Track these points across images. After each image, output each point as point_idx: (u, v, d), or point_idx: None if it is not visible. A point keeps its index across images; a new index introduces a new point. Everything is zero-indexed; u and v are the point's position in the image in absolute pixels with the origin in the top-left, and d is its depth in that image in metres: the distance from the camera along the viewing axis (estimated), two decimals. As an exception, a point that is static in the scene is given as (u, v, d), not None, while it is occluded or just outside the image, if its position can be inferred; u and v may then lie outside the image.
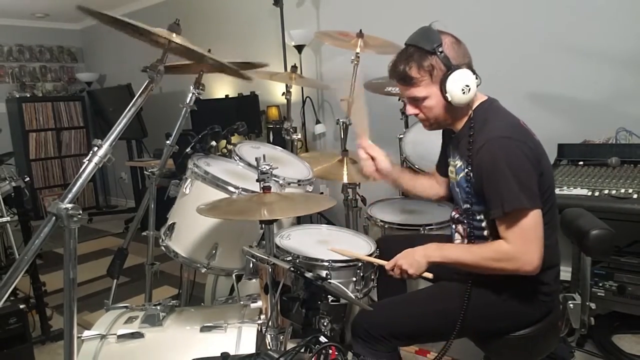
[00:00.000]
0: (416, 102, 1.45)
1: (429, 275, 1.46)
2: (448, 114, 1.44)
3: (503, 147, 1.32)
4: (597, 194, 1.98)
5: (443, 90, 1.37)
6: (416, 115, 1.49)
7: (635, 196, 1.91)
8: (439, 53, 1.35)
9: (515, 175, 1.28)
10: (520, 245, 1.29)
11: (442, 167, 1.73)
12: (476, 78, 1.38)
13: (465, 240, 1.51)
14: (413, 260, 1.43)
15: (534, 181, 1.30)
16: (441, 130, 1.66)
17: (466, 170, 1.42)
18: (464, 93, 1.36)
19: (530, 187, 1.29)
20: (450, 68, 1.36)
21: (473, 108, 1.44)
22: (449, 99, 1.37)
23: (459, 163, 1.48)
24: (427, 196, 1.80)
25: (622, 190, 1.95)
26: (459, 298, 1.41)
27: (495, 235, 1.39)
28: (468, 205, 1.45)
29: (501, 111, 1.45)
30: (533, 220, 1.28)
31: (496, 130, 1.35)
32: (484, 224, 1.44)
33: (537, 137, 1.42)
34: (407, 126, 2.78)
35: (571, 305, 1.42)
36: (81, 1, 1.19)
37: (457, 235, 1.56)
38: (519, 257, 1.29)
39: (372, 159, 1.71)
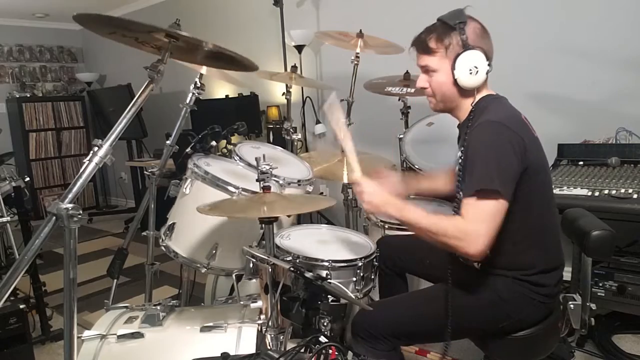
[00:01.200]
0: (427, 73, 1.47)
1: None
2: (454, 94, 1.45)
3: (492, 131, 1.33)
4: (597, 194, 1.98)
5: (453, 67, 1.39)
6: (425, 89, 1.50)
7: (635, 196, 1.91)
8: (460, 30, 1.38)
9: (496, 158, 1.29)
10: (474, 225, 1.27)
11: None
12: (488, 65, 1.38)
13: None
14: (375, 203, 1.45)
15: (512, 171, 1.29)
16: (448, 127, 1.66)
17: (461, 159, 1.42)
18: (471, 74, 1.38)
19: (507, 174, 1.28)
20: (466, 48, 1.37)
21: (477, 99, 1.44)
22: (456, 76, 1.39)
23: (459, 153, 1.48)
24: (447, 191, 1.78)
25: (622, 190, 1.95)
26: (457, 298, 1.41)
27: None
28: (461, 195, 1.45)
29: (504, 103, 1.45)
30: (496, 207, 1.27)
31: (491, 115, 1.36)
32: None
33: (536, 134, 1.42)
34: (407, 126, 2.78)
35: (571, 305, 1.42)
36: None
37: None
38: (467, 236, 1.27)
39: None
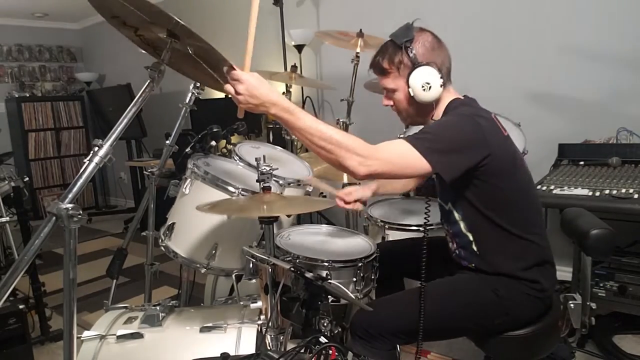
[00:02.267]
0: (388, 93, 1.51)
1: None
2: (415, 109, 1.48)
3: (456, 116, 1.38)
4: (597, 194, 1.98)
5: (407, 85, 1.42)
6: (391, 106, 1.54)
7: (636, 196, 1.91)
8: (407, 49, 1.40)
9: (443, 135, 1.31)
10: (378, 155, 1.26)
11: None
12: (441, 78, 1.40)
13: (454, 243, 1.53)
14: (251, 99, 1.24)
15: (452, 152, 1.29)
16: None
17: None
18: (424, 90, 1.40)
19: (442, 150, 1.28)
20: (415, 65, 1.40)
21: (448, 102, 1.46)
22: (412, 94, 1.42)
23: None
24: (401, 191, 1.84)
25: (623, 190, 1.95)
26: (454, 296, 1.43)
27: (472, 229, 1.43)
28: (439, 200, 1.51)
29: (474, 105, 1.47)
30: (408, 156, 1.27)
31: (463, 110, 1.40)
32: (455, 215, 1.46)
33: (506, 133, 1.44)
34: (407, 126, 2.78)
35: (572, 305, 1.41)
36: (81, 3, 1.18)
37: (448, 239, 1.58)
38: (365, 158, 1.24)
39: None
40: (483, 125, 1.34)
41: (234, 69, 1.25)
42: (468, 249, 1.47)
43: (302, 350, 1.06)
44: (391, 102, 1.53)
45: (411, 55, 1.40)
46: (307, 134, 1.26)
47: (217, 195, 1.76)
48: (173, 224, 1.88)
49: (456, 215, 1.47)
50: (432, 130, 1.33)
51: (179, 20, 1.15)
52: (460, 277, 1.49)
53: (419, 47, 1.41)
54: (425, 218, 1.44)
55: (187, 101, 2.06)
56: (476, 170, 1.33)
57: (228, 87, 1.27)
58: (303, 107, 3.91)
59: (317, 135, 1.25)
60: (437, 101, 1.45)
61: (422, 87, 1.40)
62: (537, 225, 1.47)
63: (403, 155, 1.29)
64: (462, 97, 1.49)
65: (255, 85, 1.23)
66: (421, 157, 1.27)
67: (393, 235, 2.06)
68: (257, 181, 1.51)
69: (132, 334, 1.47)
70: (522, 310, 1.42)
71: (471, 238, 1.45)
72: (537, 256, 1.43)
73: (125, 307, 1.67)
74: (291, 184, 1.98)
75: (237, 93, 1.25)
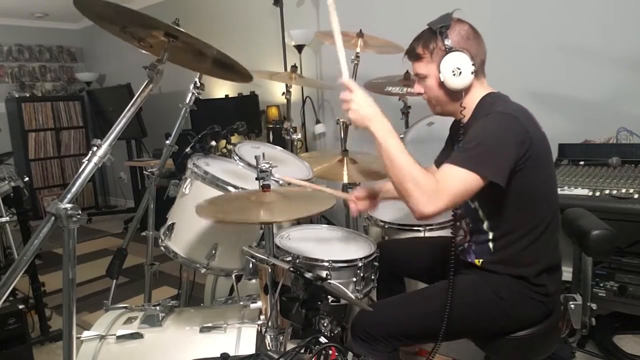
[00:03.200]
0: (420, 80, 1.50)
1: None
2: (445, 96, 1.46)
3: (500, 119, 1.34)
4: (597, 194, 1.98)
5: (438, 70, 1.41)
6: (422, 94, 1.52)
7: (636, 196, 1.90)
8: (442, 34, 1.39)
9: (497, 145, 1.29)
10: (446, 190, 1.26)
11: (440, 160, 1.72)
12: (473, 65, 1.38)
13: (469, 237, 1.51)
14: (361, 110, 1.35)
15: (508, 159, 1.28)
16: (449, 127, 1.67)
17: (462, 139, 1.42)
18: (454, 75, 1.39)
19: (502, 161, 1.28)
20: (448, 50, 1.39)
21: (480, 97, 1.44)
22: (442, 79, 1.41)
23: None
24: None
25: (623, 190, 1.95)
26: (456, 298, 1.41)
27: (494, 228, 1.41)
28: None
29: (509, 100, 1.46)
30: (467, 182, 1.26)
31: (501, 108, 1.37)
32: (480, 214, 1.44)
33: (542, 130, 1.42)
34: (407, 126, 2.78)
35: (572, 305, 1.41)
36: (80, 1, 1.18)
37: (461, 232, 1.56)
38: (434, 195, 1.25)
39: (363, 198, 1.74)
40: (522, 119, 1.33)
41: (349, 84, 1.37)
42: (482, 246, 1.45)
43: (302, 351, 1.06)
44: (422, 90, 1.50)
45: (446, 41, 1.39)
46: (391, 158, 1.31)
47: (217, 195, 1.76)
48: (173, 224, 1.88)
49: (481, 213, 1.44)
50: (474, 141, 1.30)
51: (175, 28, 1.15)
52: (463, 278, 1.47)
53: (454, 35, 1.40)
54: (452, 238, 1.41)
55: (187, 101, 2.06)
56: (518, 163, 1.31)
57: (345, 94, 1.38)
58: (303, 107, 3.92)
59: (399, 163, 1.30)
60: (467, 90, 1.43)
61: (453, 72, 1.38)
62: (556, 226, 1.45)
63: (461, 182, 1.27)
64: (497, 92, 1.47)
65: (363, 98, 1.35)
66: (474, 174, 1.26)
67: (393, 236, 2.06)
68: (256, 179, 1.51)
69: (131, 334, 1.47)
70: (525, 312, 1.41)
71: (490, 237, 1.43)
72: (550, 260, 1.41)
73: (125, 307, 1.66)
74: (291, 184, 1.98)
75: (349, 100, 1.35)
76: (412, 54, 1.48)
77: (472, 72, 1.39)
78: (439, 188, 1.26)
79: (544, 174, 1.38)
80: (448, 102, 1.48)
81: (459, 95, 1.44)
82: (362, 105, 1.35)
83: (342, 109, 1.37)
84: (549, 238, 1.41)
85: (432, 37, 1.42)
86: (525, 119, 1.36)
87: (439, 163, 1.72)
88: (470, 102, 1.45)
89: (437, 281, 1.51)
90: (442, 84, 1.42)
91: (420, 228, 2.02)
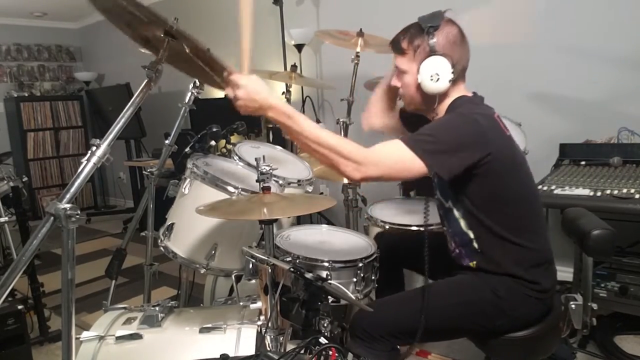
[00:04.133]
0: (400, 73, 1.49)
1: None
2: (420, 97, 1.46)
3: (456, 116, 1.36)
4: (599, 194, 1.97)
5: (417, 71, 1.41)
6: (398, 88, 1.52)
7: (637, 196, 1.90)
8: (429, 34, 1.38)
9: (441, 137, 1.29)
10: (372, 159, 1.27)
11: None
12: (452, 73, 1.38)
13: (453, 243, 1.53)
14: (249, 106, 1.28)
15: (451, 151, 1.28)
16: None
17: None
18: (431, 80, 1.38)
19: (440, 151, 1.28)
20: (431, 53, 1.38)
21: (454, 99, 1.44)
22: (419, 80, 1.40)
23: None
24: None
25: (624, 190, 1.94)
26: (455, 296, 1.42)
27: (471, 227, 1.42)
28: (438, 193, 1.50)
29: (478, 103, 1.46)
30: (407, 162, 1.27)
31: (463, 110, 1.38)
32: (455, 213, 1.45)
33: (508, 133, 1.42)
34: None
35: (573, 306, 1.41)
36: (79, 2, 1.17)
37: (447, 239, 1.57)
38: (364, 162, 1.25)
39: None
40: (482, 124, 1.33)
41: (232, 74, 1.26)
42: (469, 247, 1.46)
43: (302, 351, 1.05)
44: (399, 84, 1.50)
45: (431, 42, 1.38)
46: (304, 138, 1.28)
47: (217, 195, 1.75)
48: (172, 224, 1.87)
49: (456, 213, 1.46)
50: (430, 131, 1.32)
51: (173, 24, 1.14)
52: (461, 277, 1.49)
53: (441, 37, 1.39)
54: (424, 217, 1.42)
55: (186, 101, 2.05)
56: (477, 168, 1.32)
57: (229, 90, 1.29)
58: (303, 107, 3.91)
59: (314, 140, 1.27)
60: (442, 95, 1.43)
61: (431, 77, 1.38)
62: (538, 226, 1.46)
63: (399, 159, 1.28)
64: (470, 95, 1.47)
65: (253, 90, 1.26)
66: (418, 158, 1.26)
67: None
68: (256, 181, 1.51)
69: (131, 334, 1.46)
70: (523, 311, 1.41)
71: (472, 236, 1.44)
72: (537, 257, 1.42)
73: (125, 308, 1.66)
74: (291, 184, 1.98)
75: (235, 98, 1.28)
76: (396, 47, 1.47)
77: (450, 80, 1.39)
78: (372, 156, 1.27)
79: (513, 176, 1.39)
80: (421, 103, 1.48)
81: (433, 98, 1.45)
82: (251, 97, 1.26)
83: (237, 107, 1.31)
84: (534, 235, 1.42)
85: (418, 34, 1.41)
86: (488, 123, 1.36)
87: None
88: (443, 105, 1.46)
89: (436, 275, 1.51)
90: (418, 85, 1.42)
91: (421, 228, 2.01)
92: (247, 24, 1.38)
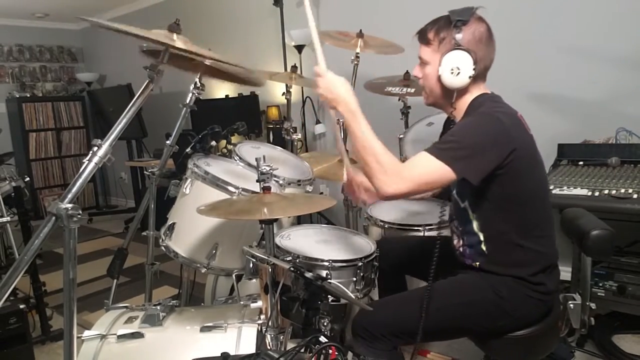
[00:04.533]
0: (422, 64, 1.49)
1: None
2: (440, 90, 1.46)
3: (477, 116, 1.36)
4: (597, 194, 1.98)
5: (440, 63, 1.40)
6: (418, 79, 1.53)
7: (635, 196, 1.91)
8: (456, 28, 1.38)
9: (466, 140, 1.30)
10: (404, 172, 1.30)
11: None
12: (474, 70, 1.38)
13: (461, 240, 1.52)
14: (328, 93, 1.44)
15: (478, 154, 1.29)
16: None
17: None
18: (452, 73, 1.38)
19: (468, 155, 1.28)
20: (456, 47, 1.38)
21: (472, 98, 1.44)
22: (440, 72, 1.41)
23: None
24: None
25: (622, 190, 1.95)
26: (457, 296, 1.42)
27: (484, 229, 1.41)
28: (455, 192, 1.49)
29: (499, 101, 1.45)
30: (437, 172, 1.28)
31: (485, 108, 1.38)
32: (470, 214, 1.45)
33: (531, 132, 1.42)
34: (407, 126, 2.78)
35: (571, 305, 1.42)
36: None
37: (454, 236, 1.57)
38: (395, 176, 1.29)
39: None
40: (505, 122, 1.33)
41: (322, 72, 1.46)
42: (476, 248, 1.46)
43: (302, 350, 1.06)
44: (420, 75, 1.51)
45: (457, 36, 1.37)
46: (357, 138, 1.37)
47: (218, 195, 1.76)
48: (173, 223, 1.88)
49: (471, 214, 1.45)
50: (453, 137, 1.32)
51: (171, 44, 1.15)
52: (463, 277, 1.48)
53: (467, 32, 1.38)
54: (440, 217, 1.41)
55: (187, 101, 2.06)
56: (501, 168, 1.32)
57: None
58: (303, 107, 3.93)
59: (364, 143, 1.35)
60: (462, 91, 1.43)
61: (452, 70, 1.38)
62: (549, 228, 1.45)
63: (428, 171, 1.29)
64: (490, 93, 1.47)
65: (332, 82, 1.44)
66: (446, 166, 1.27)
67: (393, 236, 2.06)
68: (257, 181, 1.51)
69: (132, 333, 1.47)
70: (525, 311, 1.41)
71: (482, 238, 1.43)
72: (543, 261, 1.41)
73: (126, 307, 1.66)
74: (291, 184, 1.99)
75: (318, 85, 1.46)
76: (423, 37, 1.47)
77: (470, 76, 1.38)
78: (403, 172, 1.30)
79: (532, 176, 1.39)
80: (441, 97, 1.48)
81: (451, 93, 1.44)
82: (330, 88, 1.43)
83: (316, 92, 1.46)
84: (543, 239, 1.42)
85: (446, 27, 1.41)
86: (511, 122, 1.36)
87: None
88: (463, 103, 1.45)
89: (437, 280, 1.51)
90: (438, 78, 1.42)
91: (420, 228, 2.02)
92: (312, 24, 1.61)
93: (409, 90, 2.56)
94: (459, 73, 1.38)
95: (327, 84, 1.44)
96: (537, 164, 1.43)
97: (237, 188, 1.77)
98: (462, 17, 1.38)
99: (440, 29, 1.41)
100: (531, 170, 1.38)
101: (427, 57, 1.45)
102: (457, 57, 1.37)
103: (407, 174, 1.30)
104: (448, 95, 1.46)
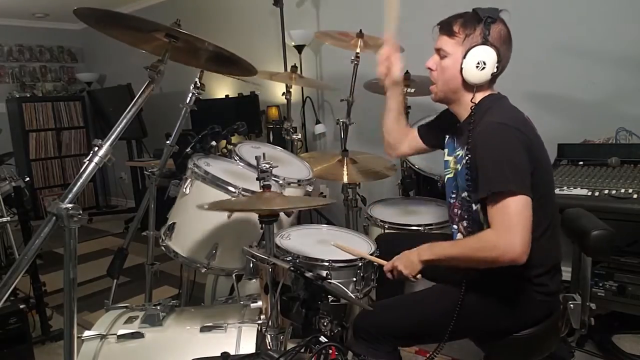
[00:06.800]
0: (439, 56, 1.48)
1: (418, 276, 1.46)
2: (458, 84, 1.45)
3: (498, 132, 1.33)
4: (597, 194, 1.98)
5: (464, 56, 1.40)
6: (431, 71, 1.52)
7: (635, 196, 1.91)
8: (485, 25, 1.38)
9: (507, 158, 1.28)
10: (503, 231, 1.25)
11: (424, 131, 1.78)
12: (496, 68, 1.38)
13: None
14: (408, 261, 1.44)
15: (526, 167, 1.29)
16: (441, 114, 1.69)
17: (466, 158, 1.42)
18: (476, 67, 1.38)
19: (521, 171, 1.28)
20: (484, 42, 1.38)
21: (480, 98, 1.44)
22: (463, 65, 1.40)
23: (460, 152, 1.48)
24: (390, 137, 1.87)
25: (622, 190, 1.95)
26: (458, 298, 1.41)
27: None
28: (466, 194, 1.46)
29: (506, 104, 1.46)
30: (519, 205, 1.25)
31: (495, 117, 1.37)
32: (481, 217, 1.43)
33: (537, 132, 1.42)
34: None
35: (571, 305, 1.41)
36: (82, 2, 1.19)
37: (459, 235, 1.56)
38: (500, 244, 1.25)
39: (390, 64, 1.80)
40: (522, 129, 1.33)
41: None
42: None
43: (302, 350, 1.06)
44: (434, 66, 1.49)
45: (486, 32, 1.38)
46: (454, 261, 1.38)
47: (218, 195, 1.77)
48: (173, 223, 1.88)
49: (482, 216, 1.43)
50: (494, 165, 1.30)
51: (176, 29, 1.15)
52: (466, 278, 1.48)
53: (495, 31, 1.39)
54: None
55: (187, 101, 2.06)
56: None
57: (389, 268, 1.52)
58: (303, 107, 3.92)
59: (458, 258, 1.37)
60: (479, 88, 1.43)
61: (477, 64, 1.38)
62: (557, 228, 1.45)
63: (515, 210, 1.25)
64: (497, 94, 1.47)
65: (403, 260, 1.46)
66: (518, 192, 1.25)
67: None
68: (257, 179, 1.51)
69: (132, 333, 1.47)
70: (528, 312, 1.41)
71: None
72: (551, 261, 1.41)
73: (126, 307, 1.67)
74: (291, 184, 1.99)
75: (398, 271, 1.47)
76: (446, 28, 1.45)
77: (492, 74, 1.39)
78: (499, 237, 1.26)
79: (544, 177, 1.39)
80: (455, 91, 1.47)
81: (469, 88, 1.44)
82: (408, 264, 1.44)
83: (403, 277, 1.47)
84: (550, 240, 1.41)
85: (474, 22, 1.40)
86: (525, 127, 1.36)
87: (420, 129, 1.80)
88: (474, 99, 1.45)
89: (434, 277, 1.51)
90: (460, 70, 1.41)
91: (420, 228, 2.02)
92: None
93: (409, 90, 2.56)
94: (484, 68, 1.38)
95: (404, 263, 1.45)
96: (547, 165, 1.43)
97: (237, 188, 1.77)
98: (492, 15, 1.39)
99: (468, 23, 1.41)
100: (541, 171, 1.38)
101: (448, 48, 1.44)
102: (485, 52, 1.38)
103: (506, 229, 1.25)
104: (464, 90, 1.45)
